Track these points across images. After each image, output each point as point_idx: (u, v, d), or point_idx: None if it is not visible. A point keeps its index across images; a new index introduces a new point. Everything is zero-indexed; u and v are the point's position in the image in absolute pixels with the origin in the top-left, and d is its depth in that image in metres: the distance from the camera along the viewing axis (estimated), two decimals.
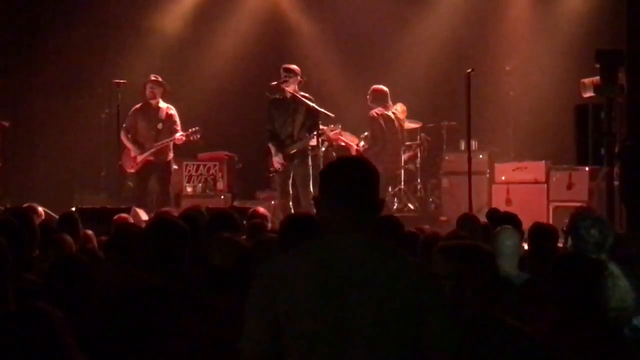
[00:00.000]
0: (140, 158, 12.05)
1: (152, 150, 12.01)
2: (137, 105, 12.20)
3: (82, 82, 14.60)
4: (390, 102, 12.93)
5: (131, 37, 15.00)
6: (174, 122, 12.12)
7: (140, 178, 12.18)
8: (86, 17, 14.72)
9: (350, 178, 3.17)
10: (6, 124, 13.02)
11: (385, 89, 12.94)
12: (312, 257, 3.11)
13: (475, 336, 3.47)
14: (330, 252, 3.09)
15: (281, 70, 11.25)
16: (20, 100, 14.83)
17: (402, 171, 13.30)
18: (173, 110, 12.16)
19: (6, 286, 3.99)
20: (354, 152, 12.53)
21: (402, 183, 13.47)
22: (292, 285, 3.04)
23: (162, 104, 12.15)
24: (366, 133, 12.97)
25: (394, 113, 12.91)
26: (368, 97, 12.92)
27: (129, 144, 12.09)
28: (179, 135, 12.00)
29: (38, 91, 14.89)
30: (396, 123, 12.91)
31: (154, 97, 12.08)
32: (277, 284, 3.06)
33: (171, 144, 12.09)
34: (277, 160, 11.20)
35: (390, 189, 13.17)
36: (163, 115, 12.09)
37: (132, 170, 12.21)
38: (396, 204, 13.37)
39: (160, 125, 12.05)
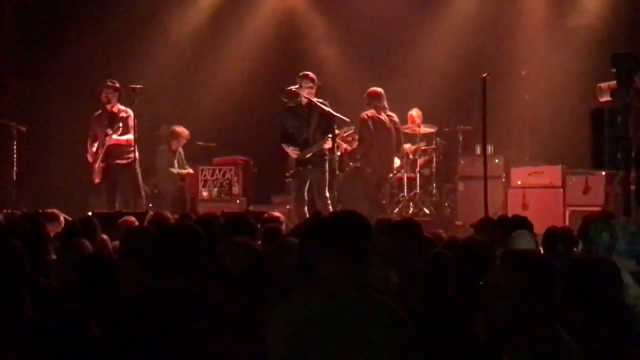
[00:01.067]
0: (96, 166, 11.94)
1: (102, 155, 11.86)
2: (96, 113, 12.14)
3: (97, 87, 14.64)
4: (385, 104, 12.80)
5: (148, 42, 15.05)
6: (126, 125, 11.90)
7: (106, 186, 12.02)
8: (103, 23, 14.79)
9: (343, 231, 3.33)
10: (23, 128, 13.05)
11: (380, 90, 12.83)
12: (323, 304, 3.25)
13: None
14: (335, 302, 3.24)
15: (297, 77, 11.25)
16: (37, 105, 14.88)
17: (406, 176, 13.36)
18: (127, 113, 11.94)
19: (24, 288, 4.01)
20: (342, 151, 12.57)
21: (418, 187, 13.46)
22: (316, 331, 3.18)
23: (118, 108, 11.98)
24: None
25: (389, 116, 12.80)
26: (364, 99, 12.87)
27: (89, 154, 12.07)
28: (110, 133, 11.80)
29: (55, 96, 14.94)
30: (388, 126, 12.78)
31: (109, 102, 11.96)
32: (303, 328, 3.19)
33: (132, 147, 11.82)
34: (292, 150, 11.17)
35: (406, 193, 13.15)
36: (115, 118, 11.92)
37: (98, 180, 12.08)
38: (412, 209, 13.36)
39: (109, 131, 11.83)
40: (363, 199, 12.86)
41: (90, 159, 12.04)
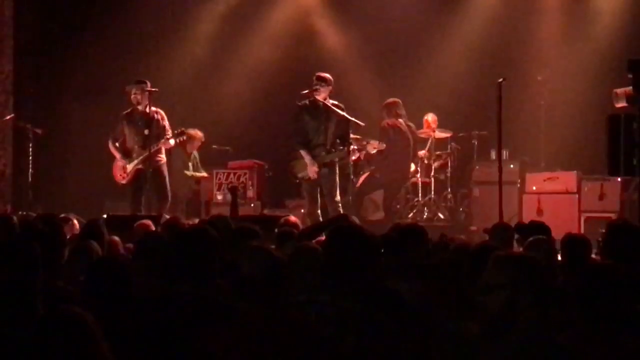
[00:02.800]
0: (129, 167, 11.76)
1: (141, 158, 11.68)
2: (125, 112, 11.90)
3: (114, 90, 14.67)
4: (403, 112, 12.92)
5: (163, 45, 15.10)
6: (162, 127, 11.79)
7: (135, 188, 11.81)
8: (119, 26, 14.82)
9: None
10: (39, 131, 13.11)
11: (398, 100, 12.96)
12: None
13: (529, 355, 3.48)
14: None
15: (314, 78, 11.20)
16: (53, 108, 14.95)
17: (421, 182, 13.35)
18: (161, 115, 11.82)
19: (37, 290, 4.02)
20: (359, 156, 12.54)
21: (433, 192, 13.45)
22: None
23: (150, 109, 11.67)
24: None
25: (407, 125, 12.91)
26: (383, 111, 12.90)
27: (115, 153, 11.86)
28: (164, 140, 11.73)
29: (71, 99, 15.01)
30: (408, 135, 12.89)
31: (139, 103, 11.72)
32: None
33: (163, 148, 11.84)
34: (313, 170, 11.09)
35: (420, 197, 13.13)
36: (150, 120, 11.65)
37: (124, 181, 11.90)
38: (426, 213, 13.35)
39: (147, 132, 11.63)
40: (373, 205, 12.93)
41: (119, 159, 11.83)
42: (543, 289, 3.60)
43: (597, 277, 3.94)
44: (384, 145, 11.81)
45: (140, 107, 11.76)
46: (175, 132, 11.89)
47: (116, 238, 7.19)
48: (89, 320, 3.13)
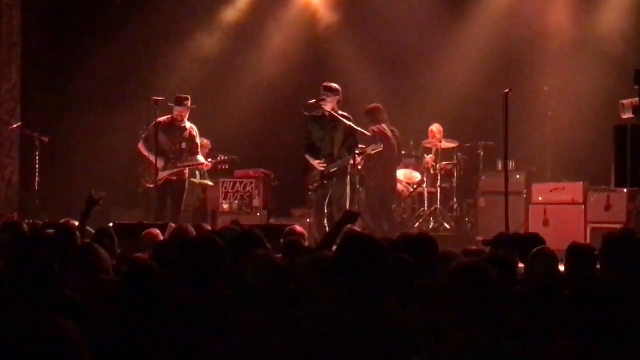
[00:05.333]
0: (163, 175, 11.90)
1: (177, 169, 11.94)
2: (162, 119, 11.96)
3: (120, 99, 14.73)
4: (386, 117, 12.78)
5: (170, 54, 15.14)
6: (195, 144, 12.08)
7: (160, 195, 11.98)
8: (126, 35, 14.86)
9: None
10: (45, 139, 13.15)
11: (380, 105, 12.85)
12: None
13: None
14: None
15: (321, 88, 11.18)
16: (59, 116, 14.99)
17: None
18: (196, 132, 12.10)
19: (50, 298, 4.04)
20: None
21: (439, 202, 13.45)
22: None
23: (187, 124, 12.04)
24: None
25: (392, 131, 12.78)
26: (367, 118, 12.74)
27: (151, 156, 11.90)
28: (208, 162, 12.20)
29: (77, 107, 15.04)
30: (393, 141, 12.73)
31: (183, 119, 11.98)
32: None
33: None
34: (318, 162, 11.04)
35: (426, 207, 13.11)
36: (187, 135, 12.01)
37: (152, 186, 12.03)
38: (432, 224, 13.36)
39: (184, 145, 11.98)
40: (371, 214, 12.89)
41: (158, 164, 11.84)
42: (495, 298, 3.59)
43: (596, 288, 3.93)
44: (382, 146, 11.77)
45: (179, 120, 11.98)
46: (220, 159, 12.52)
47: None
48: (73, 329, 3.11)
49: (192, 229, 7.62)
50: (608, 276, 4.44)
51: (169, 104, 11.94)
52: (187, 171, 12.20)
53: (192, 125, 12.11)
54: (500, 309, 3.60)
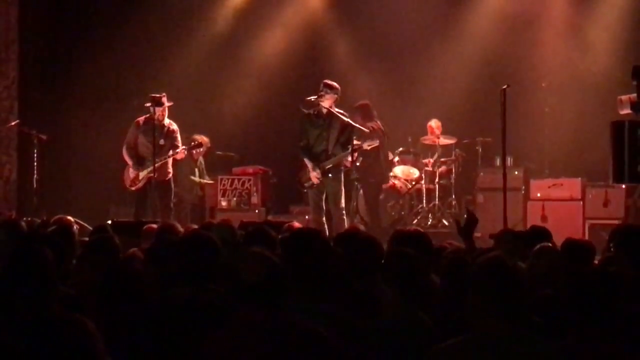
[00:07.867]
0: (142, 175, 11.76)
1: (153, 167, 11.56)
2: (139, 119, 11.91)
3: (119, 97, 14.72)
4: (375, 112, 12.79)
5: (168, 52, 15.13)
6: (175, 139, 11.89)
7: (142, 195, 11.85)
8: (124, 32, 14.86)
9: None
10: (43, 137, 13.13)
11: (368, 102, 12.87)
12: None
13: None
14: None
15: (322, 84, 11.16)
16: (58, 114, 14.97)
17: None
18: (175, 126, 11.91)
19: (51, 297, 4.03)
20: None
21: (437, 199, 13.46)
22: None
23: (166, 120, 11.83)
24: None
25: (379, 125, 12.77)
26: (358, 116, 12.66)
27: (129, 160, 11.85)
28: (182, 149, 11.82)
29: (76, 105, 15.02)
30: (381, 135, 12.72)
31: (160, 118, 11.75)
32: None
33: (170, 161, 11.87)
34: (314, 175, 11.06)
35: (425, 204, 13.12)
36: (165, 131, 11.79)
37: (133, 188, 11.89)
38: (430, 220, 13.37)
39: (162, 142, 11.73)
40: (368, 209, 12.93)
41: (132, 167, 11.82)
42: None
43: (592, 282, 3.92)
44: (377, 141, 11.76)
45: (156, 117, 11.75)
46: (193, 144, 12.15)
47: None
48: (91, 328, 3.13)
49: (178, 225, 7.61)
50: (609, 270, 4.43)
51: (146, 105, 11.75)
52: (170, 169, 11.98)
53: (171, 121, 11.92)
54: (525, 302, 3.71)
